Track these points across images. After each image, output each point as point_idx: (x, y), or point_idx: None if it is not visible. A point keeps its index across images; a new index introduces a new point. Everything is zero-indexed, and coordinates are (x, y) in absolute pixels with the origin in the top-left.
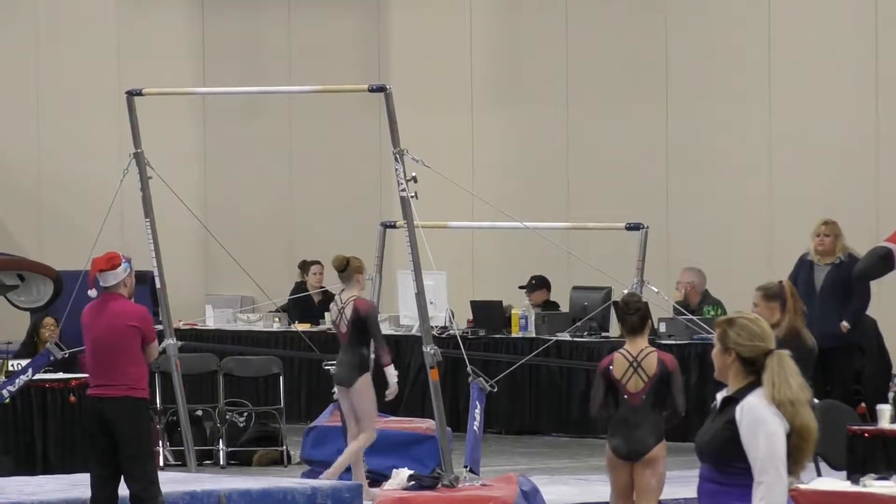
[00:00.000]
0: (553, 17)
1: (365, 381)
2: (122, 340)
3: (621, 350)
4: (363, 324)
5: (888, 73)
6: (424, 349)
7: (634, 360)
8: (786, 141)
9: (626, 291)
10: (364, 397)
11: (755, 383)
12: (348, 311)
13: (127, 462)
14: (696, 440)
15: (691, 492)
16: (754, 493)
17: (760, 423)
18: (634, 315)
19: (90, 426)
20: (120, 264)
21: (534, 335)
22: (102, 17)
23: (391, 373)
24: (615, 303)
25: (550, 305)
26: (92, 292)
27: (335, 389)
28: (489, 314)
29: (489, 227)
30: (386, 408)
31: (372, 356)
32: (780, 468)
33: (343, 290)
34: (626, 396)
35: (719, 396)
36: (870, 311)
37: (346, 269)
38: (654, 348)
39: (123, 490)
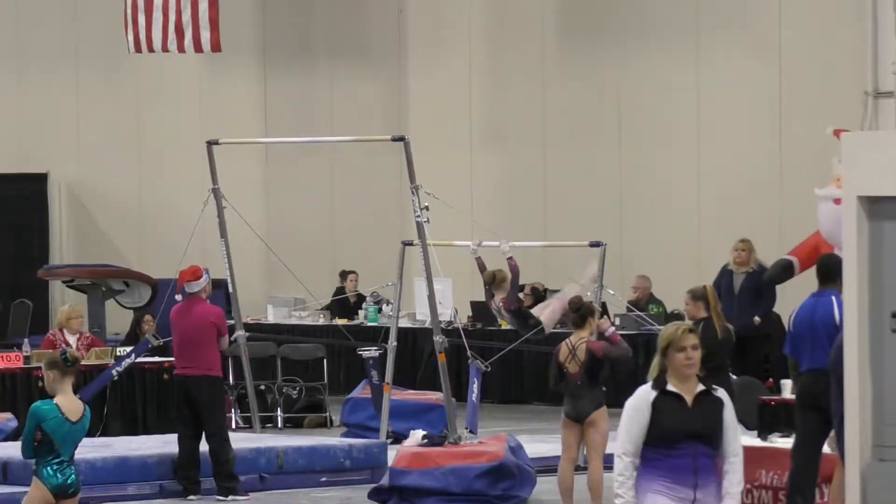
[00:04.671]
0: (533, 82)
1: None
2: (204, 333)
3: (566, 340)
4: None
5: (788, 124)
6: (435, 338)
7: (573, 349)
8: (711, 177)
9: (588, 294)
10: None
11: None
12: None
13: (206, 425)
14: (685, 425)
15: None
16: (734, 465)
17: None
18: (576, 313)
19: (177, 398)
20: (202, 276)
21: None
22: (188, 83)
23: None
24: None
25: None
26: (178, 296)
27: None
28: (485, 311)
29: (485, 245)
30: (405, 383)
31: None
32: None
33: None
34: (569, 375)
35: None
36: (776, 309)
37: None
38: (586, 339)
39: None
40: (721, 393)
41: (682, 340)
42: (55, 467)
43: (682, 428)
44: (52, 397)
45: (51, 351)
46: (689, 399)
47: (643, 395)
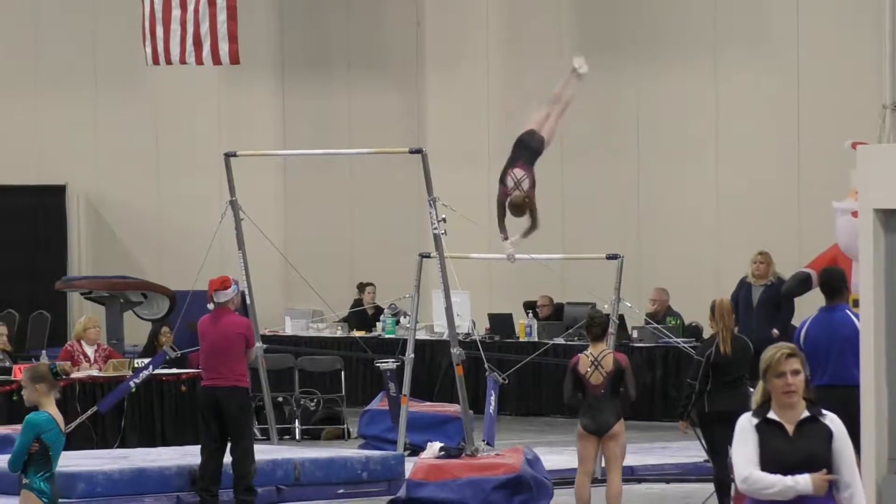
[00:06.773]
0: (549, 94)
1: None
2: (232, 344)
3: (585, 352)
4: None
5: (806, 137)
6: (452, 351)
7: (595, 360)
8: (730, 190)
9: (605, 306)
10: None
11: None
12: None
13: (234, 437)
14: (785, 456)
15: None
16: (854, 494)
17: (846, 434)
18: (597, 327)
19: (204, 409)
20: (231, 286)
21: (536, 339)
22: (206, 95)
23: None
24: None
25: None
26: (210, 305)
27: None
28: (502, 323)
29: (502, 258)
30: (422, 395)
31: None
32: None
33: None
34: (590, 387)
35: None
36: (794, 321)
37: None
38: (610, 350)
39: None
40: (830, 419)
41: (781, 365)
42: (47, 478)
43: (782, 460)
44: (32, 410)
45: (36, 364)
46: (790, 428)
47: (746, 420)
